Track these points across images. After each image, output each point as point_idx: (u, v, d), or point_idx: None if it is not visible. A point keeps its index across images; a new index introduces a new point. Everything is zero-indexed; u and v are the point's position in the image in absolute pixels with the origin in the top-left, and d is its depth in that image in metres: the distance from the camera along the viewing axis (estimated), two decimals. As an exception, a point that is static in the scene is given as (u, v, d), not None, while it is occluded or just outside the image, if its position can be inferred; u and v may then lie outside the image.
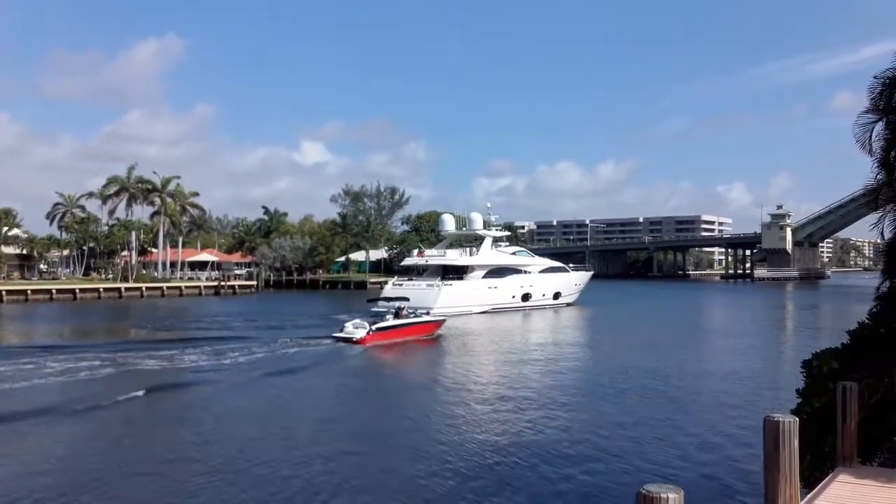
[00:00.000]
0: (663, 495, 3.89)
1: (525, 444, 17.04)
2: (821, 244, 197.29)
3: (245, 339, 38.44)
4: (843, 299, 79.00)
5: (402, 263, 75.23)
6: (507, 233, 75.76)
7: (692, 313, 67.76)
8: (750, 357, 33.51)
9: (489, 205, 75.27)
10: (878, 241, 11.22)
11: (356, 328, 37.55)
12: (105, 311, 65.17)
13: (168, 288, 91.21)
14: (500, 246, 72.48)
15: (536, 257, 75.43)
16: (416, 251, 75.73)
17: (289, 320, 51.96)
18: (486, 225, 71.71)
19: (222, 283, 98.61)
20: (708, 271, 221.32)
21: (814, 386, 10.18)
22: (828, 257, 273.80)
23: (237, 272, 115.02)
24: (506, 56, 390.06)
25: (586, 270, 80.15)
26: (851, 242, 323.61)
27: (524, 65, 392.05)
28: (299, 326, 46.80)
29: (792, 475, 6.14)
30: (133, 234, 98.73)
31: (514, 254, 72.31)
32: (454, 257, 67.69)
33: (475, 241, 70.83)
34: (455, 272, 66.05)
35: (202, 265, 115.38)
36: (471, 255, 67.87)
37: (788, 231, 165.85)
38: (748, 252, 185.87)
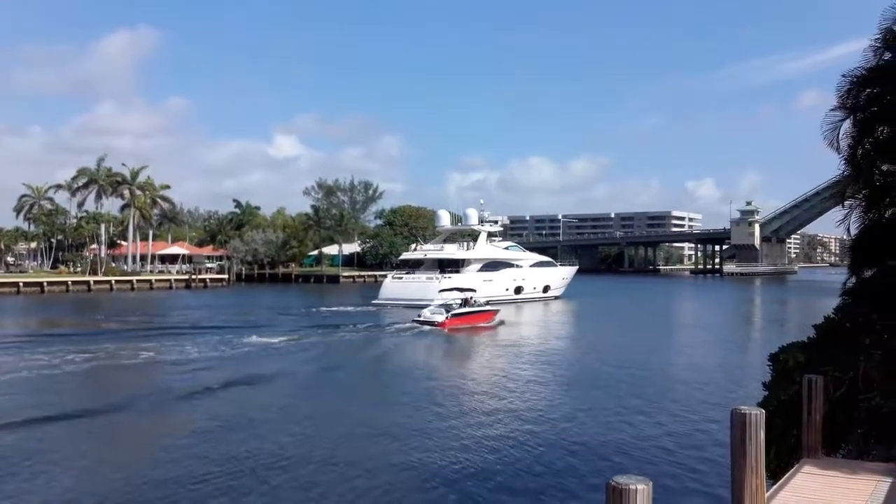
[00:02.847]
0: (632, 487, 3.90)
1: (505, 434, 17.16)
2: (788, 240, 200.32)
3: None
4: (810, 294, 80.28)
5: (401, 257, 76.98)
6: (501, 228, 78.34)
7: (665, 307, 69.06)
8: (719, 350, 34.08)
9: (482, 201, 77.66)
10: (845, 237, 11.38)
11: (433, 314, 43.64)
12: (87, 304, 63.99)
13: (138, 281, 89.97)
14: (495, 241, 74.41)
15: (527, 252, 77.83)
16: (414, 245, 77.72)
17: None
18: (481, 220, 73.41)
19: (193, 277, 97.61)
20: (678, 266, 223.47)
21: (780, 379, 10.31)
22: (795, 253, 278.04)
23: (208, 265, 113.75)
24: (479, 52, 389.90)
25: (571, 265, 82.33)
26: (818, 238, 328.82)
27: (498, 61, 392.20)
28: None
29: (758, 466, 6.21)
30: (102, 226, 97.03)
31: (507, 248, 74.84)
32: (451, 251, 69.54)
33: (469, 235, 73.07)
34: (451, 266, 67.67)
35: (173, 258, 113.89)
36: (467, 249, 69.89)
37: (757, 227, 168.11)
38: (717, 248, 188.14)
